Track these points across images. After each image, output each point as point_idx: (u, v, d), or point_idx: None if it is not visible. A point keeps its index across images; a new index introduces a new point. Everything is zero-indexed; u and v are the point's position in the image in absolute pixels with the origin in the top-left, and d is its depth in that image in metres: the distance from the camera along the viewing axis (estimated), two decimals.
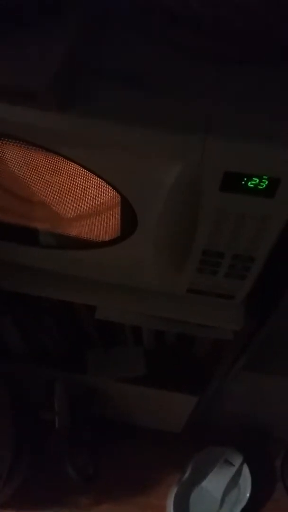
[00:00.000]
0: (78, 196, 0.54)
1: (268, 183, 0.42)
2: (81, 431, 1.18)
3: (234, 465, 1.26)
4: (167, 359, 1.03)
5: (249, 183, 0.42)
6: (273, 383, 0.98)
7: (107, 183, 0.46)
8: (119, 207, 0.50)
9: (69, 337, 1.00)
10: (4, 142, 0.45)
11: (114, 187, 0.46)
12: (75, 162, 0.45)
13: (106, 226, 0.56)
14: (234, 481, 1.26)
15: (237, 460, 1.26)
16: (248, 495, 1.21)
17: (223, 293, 0.58)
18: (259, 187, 0.42)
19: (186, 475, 1.24)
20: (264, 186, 0.42)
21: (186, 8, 0.40)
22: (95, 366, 1.04)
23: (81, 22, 0.44)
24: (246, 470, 1.26)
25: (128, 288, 0.65)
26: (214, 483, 1.26)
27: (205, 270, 0.55)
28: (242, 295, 0.58)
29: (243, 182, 0.42)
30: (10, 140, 0.44)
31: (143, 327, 0.90)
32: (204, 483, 1.27)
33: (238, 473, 1.26)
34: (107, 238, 0.56)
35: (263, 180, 0.42)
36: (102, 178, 0.46)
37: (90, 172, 0.45)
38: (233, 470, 1.26)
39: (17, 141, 0.44)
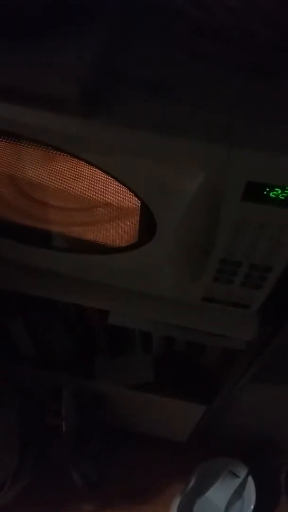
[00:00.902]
0: (97, 201, 0.54)
1: None
2: (87, 437, 1.17)
3: (239, 477, 1.25)
4: (175, 366, 1.02)
5: (271, 193, 0.42)
6: (282, 395, 0.97)
7: (128, 189, 0.46)
8: (139, 213, 0.51)
9: (79, 342, 1.00)
10: (26, 145, 0.46)
11: (135, 193, 0.47)
12: (97, 167, 0.45)
13: (124, 232, 0.57)
14: (238, 493, 1.25)
15: (242, 472, 1.26)
16: (252, 507, 1.21)
17: (238, 302, 0.59)
18: (280, 197, 0.43)
19: (191, 485, 1.24)
20: (285, 196, 0.42)
21: (211, 18, 0.40)
22: (103, 372, 1.04)
23: (108, 31, 0.45)
24: (251, 482, 1.25)
25: (142, 294, 0.65)
26: (218, 494, 1.25)
27: (221, 279, 0.55)
28: (257, 304, 0.58)
29: (265, 192, 0.42)
30: (33, 144, 0.45)
31: (155, 333, 0.90)
32: (208, 494, 1.26)
33: (243, 485, 1.25)
34: (123, 244, 0.57)
35: (285, 191, 0.42)
36: (123, 184, 0.46)
37: (112, 178, 0.46)
38: (237, 482, 1.25)
39: (41, 145, 0.45)
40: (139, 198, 0.47)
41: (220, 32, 0.43)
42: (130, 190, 0.46)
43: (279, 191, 0.42)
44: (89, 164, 0.45)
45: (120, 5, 0.46)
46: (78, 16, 0.44)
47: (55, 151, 0.45)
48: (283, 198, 0.42)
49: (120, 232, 0.57)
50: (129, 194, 0.47)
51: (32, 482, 1.19)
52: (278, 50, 0.43)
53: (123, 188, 0.47)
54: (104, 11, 0.47)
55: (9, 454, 1.07)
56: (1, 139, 0.47)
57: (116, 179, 0.46)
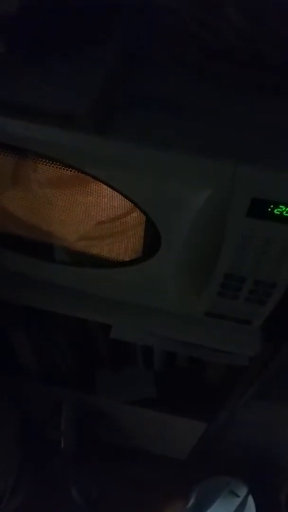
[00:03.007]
0: (102, 215, 0.55)
1: None
2: (86, 453, 1.16)
3: (239, 496, 1.23)
4: (177, 383, 1.02)
5: (276, 210, 0.43)
6: (284, 414, 0.97)
7: (134, 204, 0.47)
8: (143, 228, 0.51)
9: (80, 356, 1.00)
10: (32, 160, 0.47)
11: (140, 209, 0.47)
12: (103, 182, 0.46)
13: (128, 246, 0.57)
14: None
15: (242, 491, 1.24)
16: None
17: (242, 318, 0.59)
18: (285, 214, 0.43)
19: (190, 504, 1.22)
20: None
21: (222, 41, 0.41)
22: (104, 387, 1.03)
23: (120, 49, 0.46)
24: (251, 502, 1.23)
25: (145, 309, 0.65)
26: None
27: (225, 294, 0.55)
28: (260, 320, 0.59)
29: (269, 209, 0.43)
30: (40, 158, 0.46)
31: (157, 348, 0.90)
32: None
33: (243, 505, 1.23)
34: (128, 258, 0.57)
35: None
36: (129, 199, 0.47)
37: (118, 192, 0.46)
38: (237, 501, 1.23)
39: (48, 160, 0.46)
40: (144, 213, 0.47)
41: (229, 53, 0.44)
42: (136, 205, 0.47)
43: (284, 208, 0.42)
44: (95, 179, 0.46)
45: (131, 26, 0.47)
46: (90, 36, 0.45)
47: (62, 166, 0.46)
48: (287, 215, 0.43)
49: (125, 246, 0.58)
50: (134, 209, 0.48)
51: (30, 497, 1.18)
52: (286, 70, 0.44)
53: (129, 203, 0.47)
54: (116, 31, 0.48)
55: (7, 469, 1.06)
56: (8, 153, 0.48)
57: (121, 193, 0.46)
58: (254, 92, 0.45)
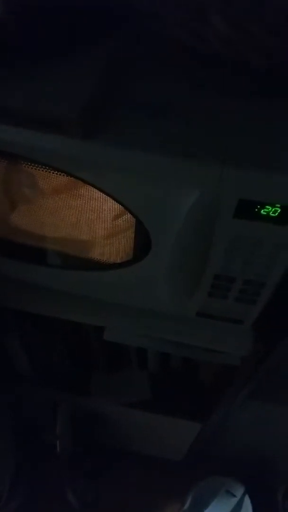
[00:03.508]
0: (93, 219, 0.56)
1: (280, 211, 0.43)
2: (82, 456, 1.16)
3: (235, 496, 1.24)
4: (171, 384, 1.02)
5: (262, 210, 0.44)
6: (279, 414, 0.97)
7: (124, 207, 0.48)
8: (134, 230, 0.52)
9: (75, 359, 1.00)
10: (25, 165, 0.47)
11: (130, 211, 0.48)
12: (94, 187, 0.46)
13: (119, 249, 0.58)
14: None
15: (239, 491, 1.24)
16: None
17: (233, 317, 0.59)
18: (271, 214, 0.44)
19: (187, 504, 1.22)
20: (276, 214, 0.44)
21: (206, 45, 0.42)
22: (99, 389, 1.04)
23: (109, 56, 0.46)
24: (247, 502, 1.23)
25: (137, 310, 0.66)
26: None
27: (216, 294, 0.56)
28: (251, 319, 0.59)
29: (256, 210, 0.44)
30: (30, 163, 0.46)
31: (150, 350, 0.90)
32: None
33: (239, 505, 1.23)
34: (119, 260, 0.58)
35: (275, 208, 0.43)
36: (119, 202, 0.47)
37: (108, 196, 0.47)
38: (234, 501, 1.23)
39: (38, 165, 0.46)
40: (134, 216, 0.48)
41: (215, 59, 0.44)
42: (125, 207, 0.47)
43: (270, 209, 0.43)
44: (85, 183, 0.46)
45: (120, 33, 0.48)
46: (80, 42, 0.46)
47: (52, 171, 0.46)
48: (273, 215, 0.44)
49: (116, 248, 0.58)
50: (124, 212, 0.49)
51: (27, 501, 1.17)
52: (271, 76, 0.45)
53: (119, 206, 0.48)
54: (106, 38, 0.49)
55: (3, 472, 1.06)
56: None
57: (111, 197, 0.47)
58: (240, 97, 0.46)
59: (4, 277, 0.66)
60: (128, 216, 0.49)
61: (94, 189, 0.47)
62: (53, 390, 1.03)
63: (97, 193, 0.48)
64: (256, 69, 0.43)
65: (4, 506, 1.06)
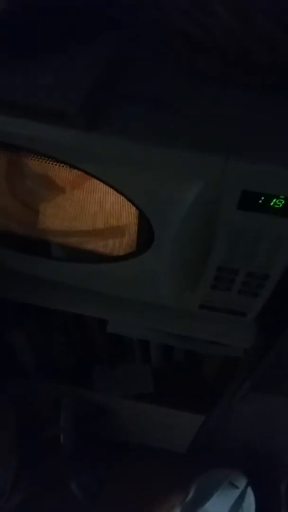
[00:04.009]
0: (96, 211, 0.55)
1: (284, 202, 0.43)
2: (85, 448, 1.17)
3: (238, 488, 1.24)
4: (175, 377, 1.02)
5: (266, 202, 0.43)
6: (281, 405, 0.97)
7: (126, 199, 0.47)
8: (137, 223, 0.51)
9: (78, 352, 1.01)
10: (26, 157, 0.47)
11: (133, 203, 0.48)
12: (97, 178, 0.46)
13: (122, 241, 0.58)
14: (238, 504, 1.23)
15: (242, 482, 1.25)
16: None
17: (236, 309, 0.59)
18: (275, 206, 0.44)
19: (190, 496, 1.23)
20: (280, 205, 0.43)
21: (209, 36, 0.41)
22: (102, 383, 1.04)
23: (110, 47, 0.46)
24: (250, 494, 1.24)
25: (140, 303, 0.66)
26: (217, 505, 1.24)
27: (219, 287, 0.56)
28: (254, 312, 0.59)
29: (260, 201, 0.43)
30: (33, 155, 0.46)
31: (153, 342, 0.91)
32: (208, 505, 1.24)
33: (242, 496, 1.24)
34: (122, 253, 0.58)
35: (279, 200, 0.43)
36: (122, 194, 0.47)
37: (111, 187, 0.47)
38: (237, 492, 1.24)
39: (41, 156, 0.46)
40: (137, 207, 0.48)
41: (219, 50, 0.44)
42: (128, 199, 0.47)
43: (274, 200, 0.43)
44: (88, 175, 0.46)
45: (121, 24, 0.48)
46: (81, 34, 0.46)
47: (55, 162, 0.46)
48: (277, 207, 0.43)
49: (119, 241, 0.58)
50: (127, 204, 0.48)
51: (31, 493, 1.18)
52: (274, 68, 0.45)
53: (121, 198, 0.48)
54: (106, 29, 0.48)
55: (7, 466, 1.07)
56: (0, 150, 0.48)
57: (114, 188, 0.47)
58: (242, 89, 0.45)
59: (6, 269, 0.66)
60: (131, 207, 0.49)
61: (97, 181, 0.47)
62: (56, 383, 1.04)
63: (100, 185, 0.48)
64: (259, 61, 0.42)
65: (8, 499, 1.07)
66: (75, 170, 0.46)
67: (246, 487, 1.24)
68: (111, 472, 1.29)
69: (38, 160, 0.46)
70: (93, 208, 0.54)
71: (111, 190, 0.47)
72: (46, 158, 0.45)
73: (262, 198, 0.43)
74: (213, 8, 0.40)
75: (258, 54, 0.42)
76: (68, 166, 0.46)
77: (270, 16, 0.40)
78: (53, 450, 1.07)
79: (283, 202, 0.43)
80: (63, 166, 0.46)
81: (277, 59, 0.43)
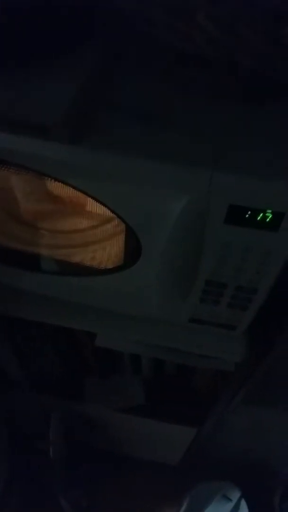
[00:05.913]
0: (83, 224, 0.55)
1: (272, 216, 0.42)
2: (76, 462, 1.15)
3: (231, 500, 1.23)
4: (166, 389, 1.02)
5: (253, 216, 0.43)
6: (272, 417, 0.97)
7: (113, 213, 0.47)
8: (124, 236, 0.51)
9: (68, 365, 0.99)
10: (12, 171, 0.46)
11: (120, 217, 0.47)
12: (82, 192, 0.46)
13: (110, 254, 0.57)
14: None
15: (235, 495, 1.23)
16: None
17: (225, 323, 0.58)
18: (263, 220, 0.43)
19: (183, 509, 1.21)
20: (268, 219, 0.43)
21: (194, 48, 0.41)
22: (93, 395, 1.03)
23: (95, 59, 0.46)
24: (244, 506, 1.23)
25: (129, 316, 0.65)
26: None
27: (207, 300, 0.55)
28: (244, 325, 0.58)
29: (247, 215, 0.43)
30: (19, 169, 0.46)
31: (143, 356, 0.90)
32: None
33: (236, 509, 1.23)
34: (109, 266, 0.57)
35: (267, 214, 0.42)
36: (108, 208, 0.46)
37: (97, 201, 0.46)
38: (230, 505, 1.23)
39: (27, 171, 0.45)
40: (124, 221, 0.47)
41: (205, 62, 0.44)
42: (115, 213, 0.47)
43: (261, 214, 0.42)
44: (75, 189, 0.45)
45: (104, 35, 0.47)
46: (65, 46, 0.45)
47: (41, 176, 0.45)
48: (265, 221, 0.43)
49: (106, 254, 0.57)
50: (114, 217, 0.48)
51: (20, 507, 1.16)
52: (261, 79, 0.44)
53: (108, 212, 0.47)
54: (92, 41, 0.48)
55: None
56: None
57: (101, 203, 0.46)
58: (228, 100, 0.45)
59: None
60: (117, 221, 0.49)
61: (84, 195, 0.46)
62: (46, 396, 1.02)
63: (86, 199, 0.47)
64: (243, 70, 0.42)
65: None
66: (62, 184, 0.45)
67: (239, 500, 1.23)
68: (102, 485, 1.27)
69: (22, 173, 0.46)
70: (80, 221, 0.54)
71: (98, 204, 0.46)
72: (32, 172, 0.45)
73: (249, 212, 0.42)
74: (196, 18, 0.39)
75: (244, 65, 0.41)
76: (53, 180, 0.45)
77: (254, 26, 0.39)
78: (43, 464, 1.06)
79: (270, 216, 0.42)
80: (49, 180, 0.46)
81: (263, 69, 0.42)
